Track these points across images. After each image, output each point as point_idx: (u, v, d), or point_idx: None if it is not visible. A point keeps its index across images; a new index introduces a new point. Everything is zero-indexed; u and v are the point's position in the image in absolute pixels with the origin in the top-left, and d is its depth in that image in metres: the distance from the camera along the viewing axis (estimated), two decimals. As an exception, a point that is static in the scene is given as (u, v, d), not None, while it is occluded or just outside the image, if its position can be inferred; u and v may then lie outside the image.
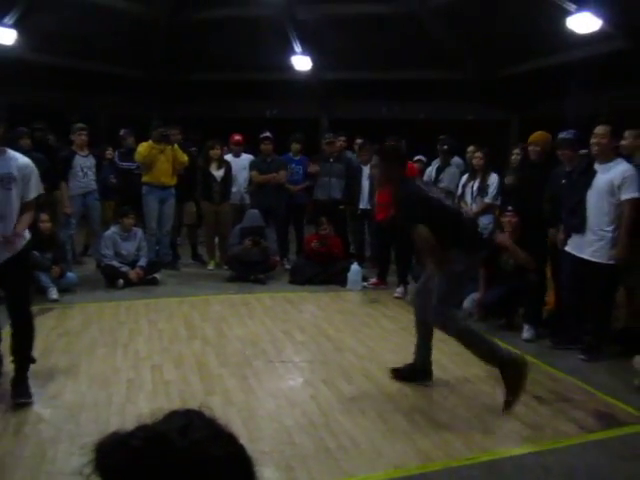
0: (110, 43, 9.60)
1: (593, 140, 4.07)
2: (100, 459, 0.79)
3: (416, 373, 3.69)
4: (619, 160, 4.05)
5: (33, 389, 3.44)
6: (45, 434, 2.94)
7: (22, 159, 3.38)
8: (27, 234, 3.42)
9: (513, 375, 3.24)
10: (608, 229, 3.99)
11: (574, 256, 4.17)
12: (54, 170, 6.34)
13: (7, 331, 3.61)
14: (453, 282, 3.43)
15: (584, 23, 7.18)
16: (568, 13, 7.31)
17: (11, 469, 2.62)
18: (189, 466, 0.79)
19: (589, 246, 4.06)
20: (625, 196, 3.92)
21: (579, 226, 4.11)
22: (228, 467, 0.83)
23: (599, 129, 4.02)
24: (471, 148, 6.01)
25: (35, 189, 3.40)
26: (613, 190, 3.95)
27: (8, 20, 8.40)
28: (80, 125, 6.57)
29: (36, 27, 8.63)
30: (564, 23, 7.30)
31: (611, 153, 4.06)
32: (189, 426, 0.83)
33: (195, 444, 0.81)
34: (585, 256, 4.08)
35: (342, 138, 7.30)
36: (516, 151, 5.44)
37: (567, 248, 4.23)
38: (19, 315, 3.36)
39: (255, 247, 6.34)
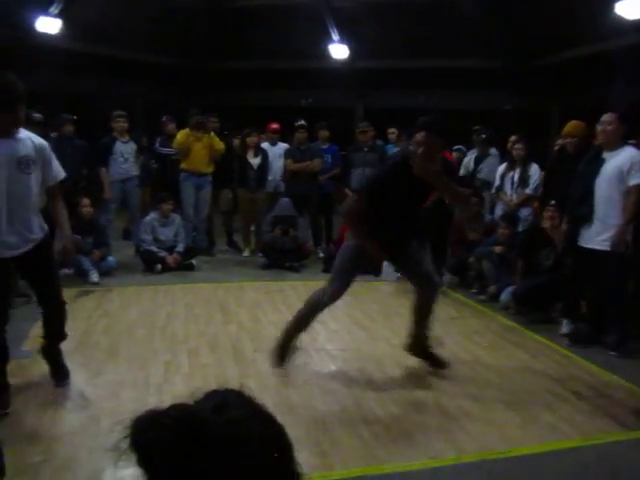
0: (148, 31, 9.72)
1: (599, 128, 3.97)
2: (135, 436, 0.80)
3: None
4: (627, 147, 3.93)
5: (75, 367, 3.56)
6: (87, 411, 3.03)
7: (37, 139, 3.03)
8: (45, 225, 3.17)
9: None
10: (618, 218, 3.86)
11: (584, 248, 4.05)
12: (95, 156, 6.50)
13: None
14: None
15: (634, 9, 6.91)
16: (616, -1, 7.06)
17: (54, 443, 2.72)
18: (223, 444, 0.79)
19: (597, 235, 3.94)
20: (633, 181, 3.81)
21: (587, 216, 3.99)
22: (265, 447, 0.82)
23: (605, 116, 3.93)
24: (513, 138, 5.88)
25: (58, 171, 3.14)
26: (622, 177, 3.84)
27: (53, 10, 8.59)
28: (119, 112, 6.69)
29: (78, 16, 8.81)
30: (612, 8, 7.04)
31: (619, 140, 3.93)
32: (225, 405, 0.83)
33: (230, 422, 0.80)
34: (594, 246, 3.96)
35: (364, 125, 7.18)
36: (559, 141, 5.30)
37: (579, 243, 4.10)
38: (51, 306, 3.27)
39: (284, 235, 6.38)
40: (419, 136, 3.37)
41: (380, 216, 3.36)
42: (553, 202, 4.88)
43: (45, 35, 8.67)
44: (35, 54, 8.63)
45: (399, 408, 3.17)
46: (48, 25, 8.61)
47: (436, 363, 3.70)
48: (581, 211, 4.05)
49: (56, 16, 8.63)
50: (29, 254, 3.02)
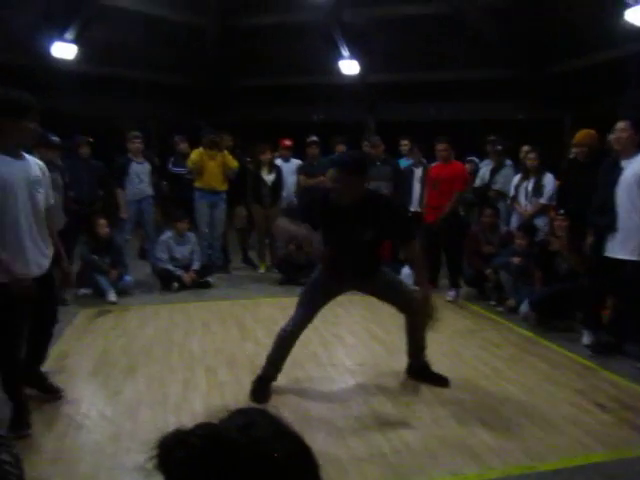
0: (160, 52, 9.89)
1: (614, 136, 3.95)
2: (162, 456, 0.80)
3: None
4: None
5: (94, 386, 3.59)
6: (106, 430, 3.04)
7: (39, 161, 3.09)
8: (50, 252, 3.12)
9: (262, 386, 3.43)
10: None
11: (610, 259, 3.97)
12: (111, 176, 6.59)
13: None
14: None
15: (644, 16, 6.89)
16: (626, 5, 7.04)
17: (74, 463, 2.72)
18: (250, 464, 0.79)
19: (622, 244, 3.86)
20: None
21: (610, 226, 3.92)
22: (292, 466, 0.82)
23: (619, 124, 3.90)
24: (525, 148, 5.86)
25: (50, 194, 3.14)
26: None
27: (69, 35, 8.79)
28: (134, 133, 6.78)
29: (92, 39, 9.00)
30: (621, 16, 7.02)
31: (634, 147, 3.87)
32: (251, 424, 0.83)
33: (256, 442, 0.80)
34: (619, 255, 3.89)
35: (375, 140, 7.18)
36: (574, 150, 5.27)
37: (605, 253, 4.01)
38: (47, 330, 3.30)
39: (298, 251, 6.39)
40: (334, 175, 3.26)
41: (332, 249, 3.33)
42: (562, 211, 4.84)
43: (61, 60, 8.86)
44: (51, 77, 8.82)
45: (419, 423, 3.13)
46: (64, 50, 8.80)
47: (437, 381, 3.66)
48: (604, 221, 4.00)
49: (71, 41, 8.82)
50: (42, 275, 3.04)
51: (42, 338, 3.35)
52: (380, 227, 3.27)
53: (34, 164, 3.01)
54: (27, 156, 3.01)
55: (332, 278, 3.44)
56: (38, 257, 2.98)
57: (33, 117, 2.86)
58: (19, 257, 2.86)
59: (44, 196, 3.04)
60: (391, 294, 3.56)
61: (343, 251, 3.32)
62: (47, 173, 3.12)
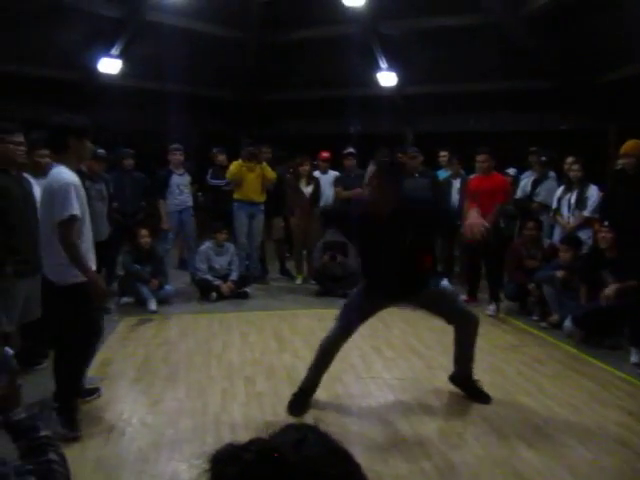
0: (201, 66, 10.10)
1: None
2: (214, 470, 0.80)
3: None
4: None
5: (135, 394, 3.65)
6: (147, 438, 3.08)
7: None
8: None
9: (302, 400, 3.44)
10: None
11: None
12: (153, 188, 6.74)
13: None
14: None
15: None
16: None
17: (116, 470, 2.77)
18: None
19: None
20: None
21: None
22: None
23: None
24: (569, 159, 5.72)
25: None
26: None
27: (114, 51, 9.09)
28: (175, 145, 6.93)
29: (137, 55, 9.28)
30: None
31: None
32: (303, 441, 0.83)
33: (309, 460, 0.80)
34: None
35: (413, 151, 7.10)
36: (621, 161, 5.13)
37: None
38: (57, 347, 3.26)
39: (332, 262, 6.38)
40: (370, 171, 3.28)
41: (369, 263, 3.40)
42: (606, 223, 4.70)
43: (107, 74, 9.16)
44: (98, 92, 9.12)
45: (460, 440, 3.06)
46: (109, 66, 9.10)
47: (478, 397, 3.59)
48: None
49: (117, 57, 9.11)
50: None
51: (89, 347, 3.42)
52: (418, 224, 3.22)
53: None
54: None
55: (376, 291, 3.41)
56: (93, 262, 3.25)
57: (91, 137, 3.22)
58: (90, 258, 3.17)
59: None
60: (439, 304, 3.52)
61: (385, 262, 3.29)
62: None
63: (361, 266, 3.58)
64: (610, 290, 4.40)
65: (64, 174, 3.02)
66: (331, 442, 0.85)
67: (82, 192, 3.10)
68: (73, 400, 3.17)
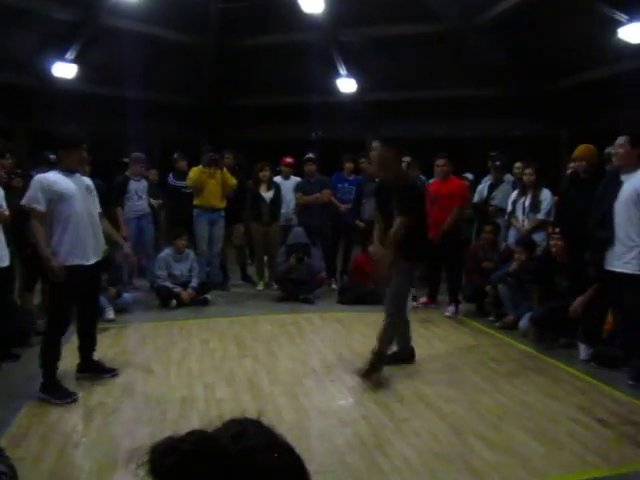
0: (160, 72, 10.00)
1: (613, 151, 4.06)
2: (153, 461, 0.81)
3: (400, 358, 4.35)
4: None
5: (92, 404, 3.58)
6: (103, 449, 3.01)
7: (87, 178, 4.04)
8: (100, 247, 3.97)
9: (378, 369, 3.97)
10: (637, 239, 3.83)
11: (607, 271, 4.01)
12: (111, 195, 6.61)
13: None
14: (406, 277, 4.13)
15: (637, 33, 6.99)
16: (619, 24, 7.15)
17: (72, 482, 2.70)
18: (239, 472, 0.79)
19: (620, 258, 3.90)
20: None
21: (608, 239, 3.96)
22: (282, 475, 0.82)
23: (619, 139, 3.98)
24: (518, 164, 5.89)
25: None
26: (638, 199, 3.81)
27: (69, 55, 8.90)
28: (137, 155, 6.84)
29: (92, 60, 9.11)
30: (615, 34, 7.13)
31: (634, 162, 3.91)
32: (243, 433, 0.84)
33: (247, 451, 0.81)
34: (617, 268, 3.92)
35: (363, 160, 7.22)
36: (572, 165, 5.31)
37: (605, 266, 4.04)
38: (92, 319, 4.15)
39: (299, 263, 6.39)
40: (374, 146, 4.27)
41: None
42: (557, 230, 4.85)
43: (62, 79, 8.96)
44: (53, 97, 8.91)
45: (418, 439, 3.11)
46: (64, 70, 8.91)
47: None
48: (602, 234, 4.02)
49: (72, 61, 8.93)
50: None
51: (91, 328, 4.05)
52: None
53: (86, 180, 3.92)
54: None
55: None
56: (93, 250, 3.78)
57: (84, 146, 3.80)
58: (77, 249, 3.67)
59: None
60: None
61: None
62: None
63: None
64: (576, 305, 4.52)
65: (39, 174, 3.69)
66: (272, 435, 0.86)
67: (58, 187, 3.61)
68: (53, 374, 3.65)
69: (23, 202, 3.67)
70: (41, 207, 3.58)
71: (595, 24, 7.68)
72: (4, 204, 4.28)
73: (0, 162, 4.74)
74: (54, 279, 3.61)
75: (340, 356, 4.60)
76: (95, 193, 3.96)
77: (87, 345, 4.04)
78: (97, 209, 3.96)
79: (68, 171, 3.73)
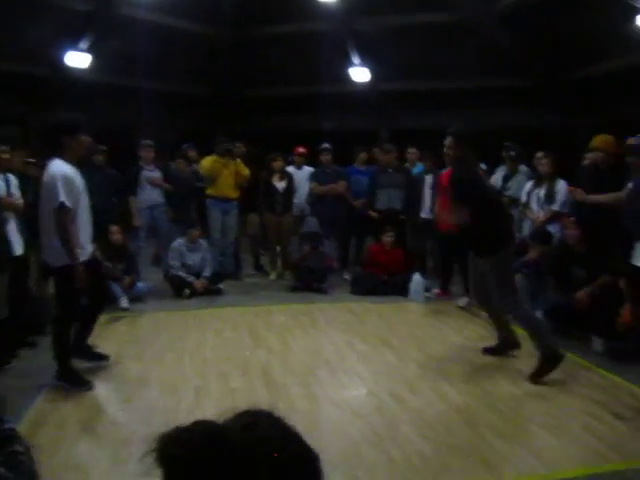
0: (174, 62, 9.99)
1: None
2: (161, 450, 0.80)
3: (504, 347, 4.35)
4: None
5: (106, 393, 3.62)
6: (118, 436, 3.05)
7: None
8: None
9: (550, 367, 3.81)
10: None
11: (635, 266, 3.89)
12: (124, 184, 6.65)
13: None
14: (503, 270, 3.97)
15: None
16: (639, 12, 7.00)
17: (87, 468, 2.74)
18: (249, 462, 0.79)
19: None
20: None
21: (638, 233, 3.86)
22: (293, 467, 0.81)
23: None
24: (539, 154, 5.81)
25: None
26: None
27: (84, 45, 8.92)
28: (146, 142, 6.85)
29: (106, 49, 9.12)
30: (634, 22, 6.99)
31: None
32: (255, 424, 0.83)
33: (258, 441, 0.80)
34: None
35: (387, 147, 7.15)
36: (589, 156, 5.22)
37: (633, 261, 3.94)
38: (99, 307, 4.20)
39: (314, 251, 6.40)
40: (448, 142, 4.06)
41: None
42: (572, 218, 4.78)
43: (77, 69, 8.98)
44: (68, 87, 8.94)
45: (432, 431, 3.10)
46: (78, 60, 8.92)
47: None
48: (634, 228, 3.93)
49: (86, 50, 8.94)
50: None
51: (92, 317, 4.10)
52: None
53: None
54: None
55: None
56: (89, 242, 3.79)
57: (86, 131, 3.67)
58: (86, 244, 3.69)
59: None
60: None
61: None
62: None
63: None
64: (582, 294, 4.47)
65: (54, 167, 3.47)
66: (284, 426, 0.86)
67: (77, 183, 3.55)
68: (69, 363, 3.70)
69: (65, 203, 3.46)
70: (71, 205, 3.51)
71: (614, 12, 7.53)
72: (18, 193, 4.30)
73: (17, 152, 4.76)
74: (79, 283, 3.52)
75: (353, 347, 4.59)
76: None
77: (84, 332, 4.06)
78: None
79: (75, 162, 3.65)
